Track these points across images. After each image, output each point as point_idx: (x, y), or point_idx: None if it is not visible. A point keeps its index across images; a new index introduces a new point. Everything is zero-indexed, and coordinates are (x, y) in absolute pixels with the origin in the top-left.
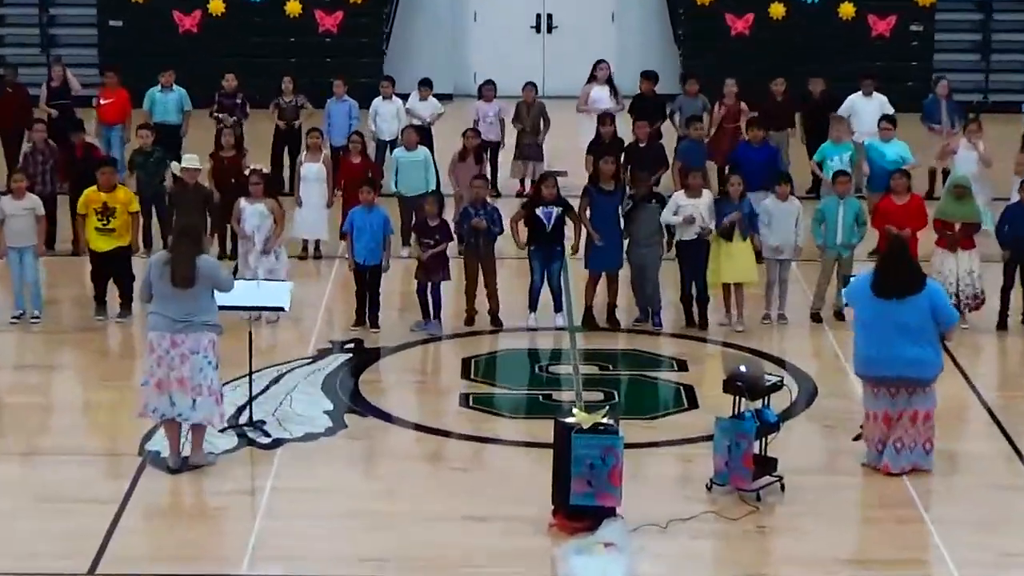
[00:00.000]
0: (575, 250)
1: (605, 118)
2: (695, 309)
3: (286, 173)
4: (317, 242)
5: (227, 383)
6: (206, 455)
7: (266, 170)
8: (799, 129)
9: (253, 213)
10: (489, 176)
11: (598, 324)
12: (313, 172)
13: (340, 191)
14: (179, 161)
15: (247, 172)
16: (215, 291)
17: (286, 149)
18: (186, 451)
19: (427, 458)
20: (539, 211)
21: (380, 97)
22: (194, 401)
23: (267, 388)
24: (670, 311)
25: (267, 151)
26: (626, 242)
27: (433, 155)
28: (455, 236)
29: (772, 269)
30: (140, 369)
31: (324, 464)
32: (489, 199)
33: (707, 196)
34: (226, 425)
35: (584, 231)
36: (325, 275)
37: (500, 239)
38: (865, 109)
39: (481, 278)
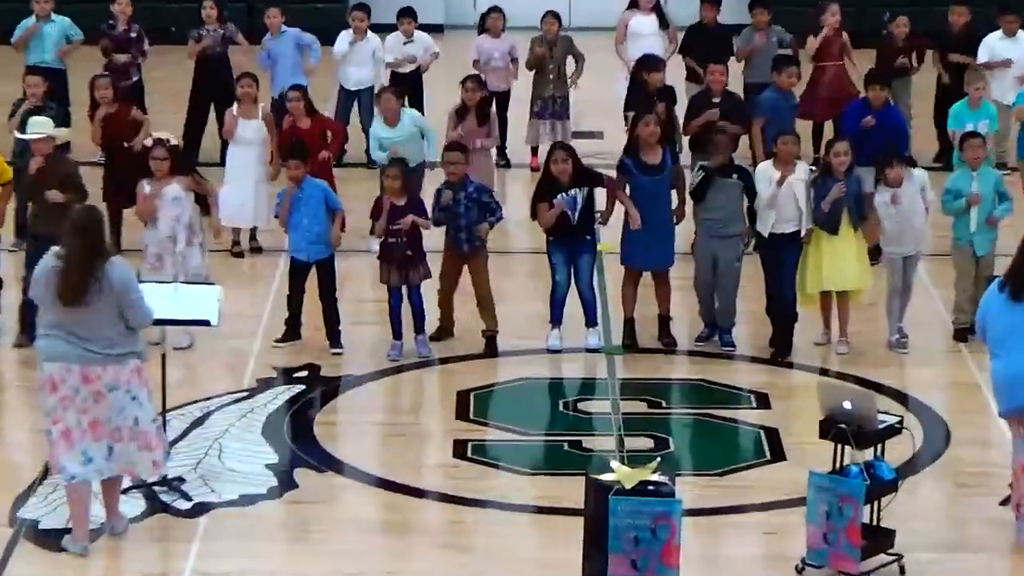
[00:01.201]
0: (604, 220)
1: (656, 63)
2: (778, 329)
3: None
4: (253, 231)
5: None
6: (124, 520)
7: (174, 140)
8: (938, 69)
9: (166, 200)
10: (497, 137)
11: (640, 342)
12: (249, 133)
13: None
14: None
15: (148, 143)
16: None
17: (212, 104)
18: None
19: (407, 530)
20: (557, 200)
21: (350, 32)
22: (111, 449)
23: (186, 433)
24: (746, 325)
25: (181, 106)
26: (678, 228)
27: (422, 110)
28: (434, 220)
29: (895, 271)
30: (7, 409)
31: (265, 538)
32: (488, 174)
33: (803, 170)
34: (139, 481)
35: (616, 205)
36: (266, 276)
37: (504, 225)
38: (1005, 57)
39: (469, 285)
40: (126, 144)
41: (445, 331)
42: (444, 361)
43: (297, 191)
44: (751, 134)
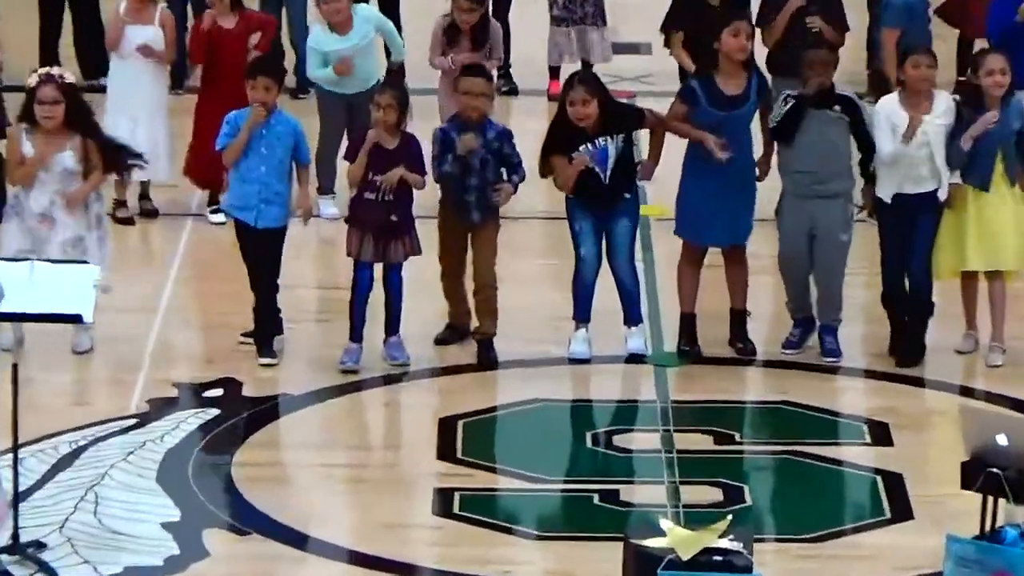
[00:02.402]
0: (647, 174)
1: None
2: (900, 326)
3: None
4: (145, 187)
5: None
6: None
7: (69, 77)
8: None
9: (52, 171)
10: (500, 55)
11: (703, 348)
12: (141, 40)
13: (199, 82)
14: None
15: (32, 82)
16: None
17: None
18: None
19: None
20: (579, 153)
21: None
22: None
23: (48, 477)
24: (856, 325)
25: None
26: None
27: (398, 17)
28: (436, 175)
29: None
30: None
31: None
32: (489, 108)
33: (944, 102)
34: None
35: (665, 150)
36: (164, 251)
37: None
38: None
39: (470, 261)
40: None
41: (456, 331)
42: (422, 375)
43: (262, 124)
44: (884, 51)
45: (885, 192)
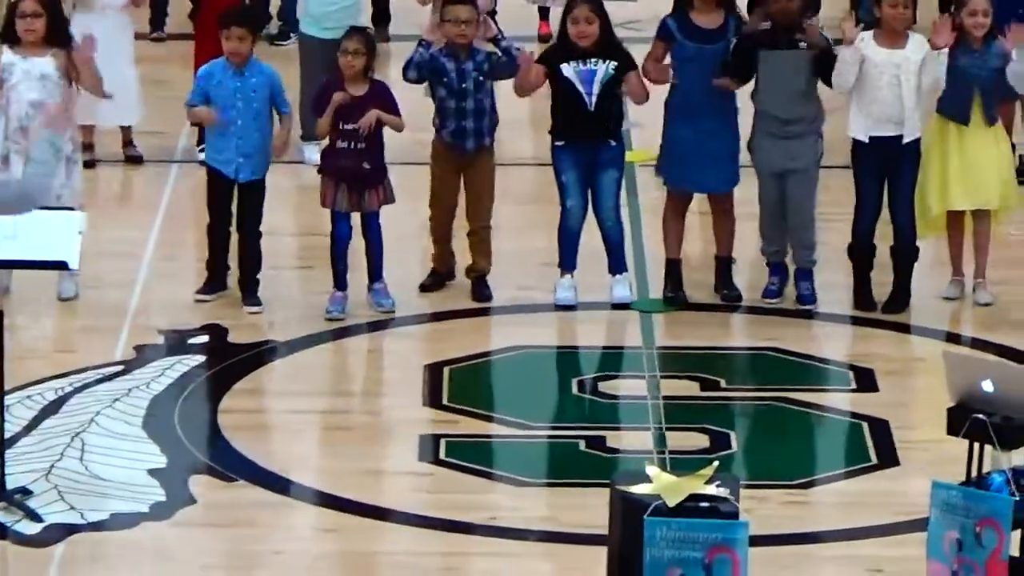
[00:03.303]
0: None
1: None
2: (887, 270)
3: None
4: (127, 134)
5: None
6: None
7: None
8: None
9: (29, 75)
10: None
11: (688, 295)
12: None
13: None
14: None
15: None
16: None
17: None
18: None
19: (359, 566)
20: (568, 71)
21: None
22: None
23: (34, 424)
24: (839, 271)
25: None
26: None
27: None
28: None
29: None
30: None
31: None
32: (484, 42)
33: (916, 44)
34: None
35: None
36: (149, 198)
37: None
38: None
39: (463, 201)
40: None
41: (440, 276)
42: (408, 322)
43: (233, 73)
44: None
45: (860, 132)
